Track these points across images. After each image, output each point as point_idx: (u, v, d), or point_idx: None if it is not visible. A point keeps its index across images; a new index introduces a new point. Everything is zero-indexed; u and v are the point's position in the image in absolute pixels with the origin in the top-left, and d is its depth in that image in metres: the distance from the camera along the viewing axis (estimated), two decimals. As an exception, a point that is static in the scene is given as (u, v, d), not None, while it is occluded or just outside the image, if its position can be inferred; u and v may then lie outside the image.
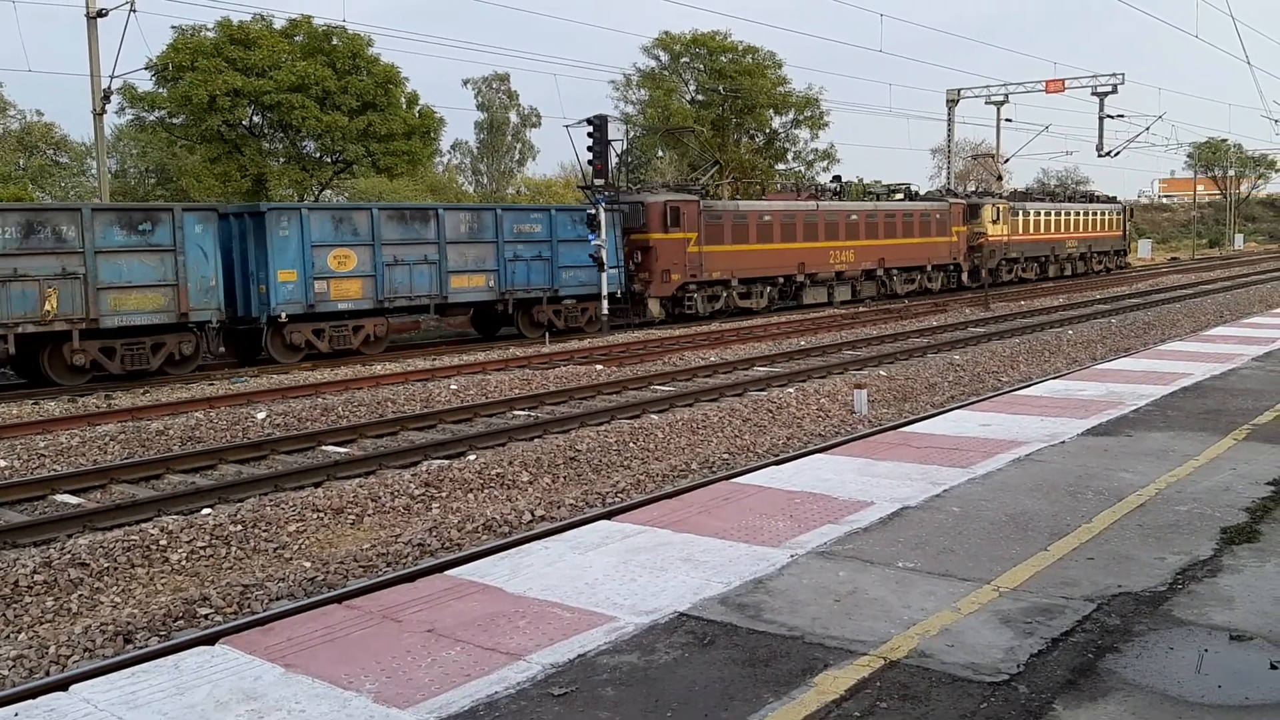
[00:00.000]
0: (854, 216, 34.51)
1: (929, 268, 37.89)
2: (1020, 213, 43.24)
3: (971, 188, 54.05)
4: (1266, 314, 24.54)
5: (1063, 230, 46.55)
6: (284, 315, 21.13)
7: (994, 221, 40.87)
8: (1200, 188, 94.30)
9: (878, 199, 37.05)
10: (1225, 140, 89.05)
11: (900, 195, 39.19)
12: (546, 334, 24.91)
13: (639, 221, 28.11)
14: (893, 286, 36.34)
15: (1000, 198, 43.98)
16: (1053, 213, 46.01)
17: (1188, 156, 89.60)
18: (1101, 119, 49.29)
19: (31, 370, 18.96)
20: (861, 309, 31.67)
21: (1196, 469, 8.14)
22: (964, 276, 39.48)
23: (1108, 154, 50.22)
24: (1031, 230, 44.06)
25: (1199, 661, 4.68)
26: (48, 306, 17.74)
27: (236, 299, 21.14)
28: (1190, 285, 40.29)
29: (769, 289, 31.80)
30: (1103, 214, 50.15)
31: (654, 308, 28.51)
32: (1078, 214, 47.97)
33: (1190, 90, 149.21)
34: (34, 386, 18.52)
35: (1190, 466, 8.22)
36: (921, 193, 41.95)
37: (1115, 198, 54.72)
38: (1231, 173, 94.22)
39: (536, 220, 25.80)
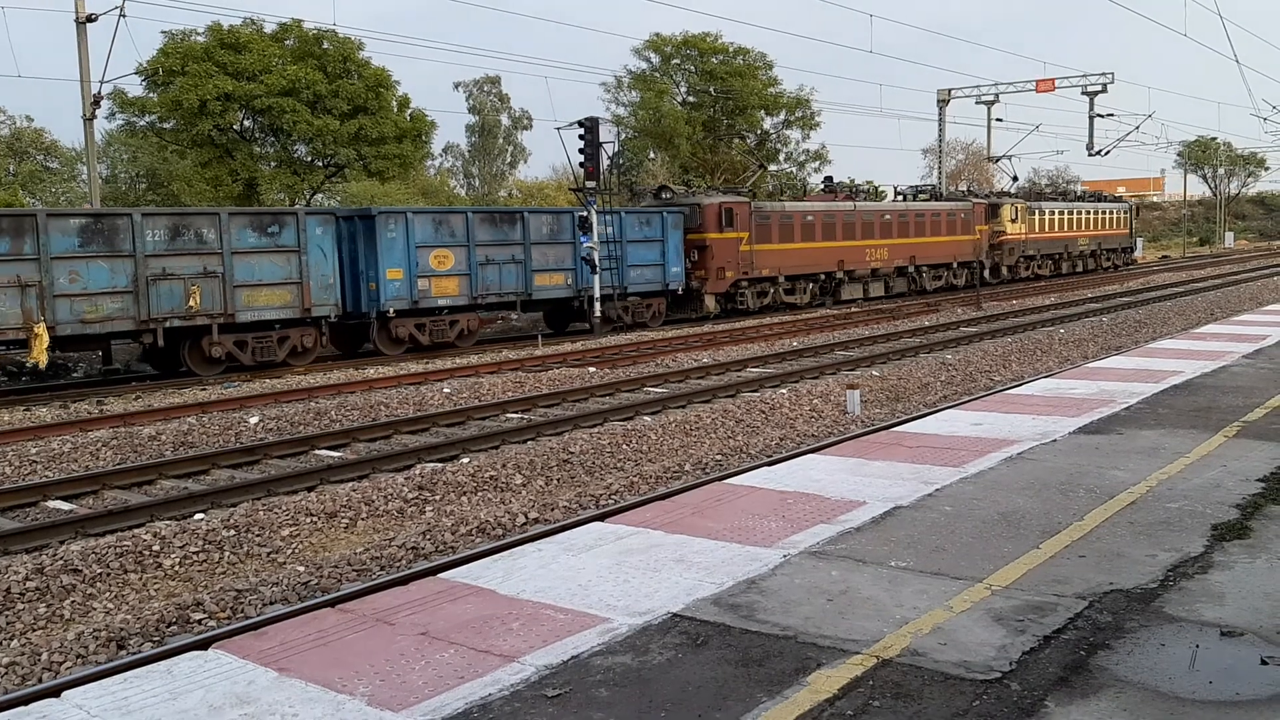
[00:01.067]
0: (887, 216, 36.00)
1: (955, 264, 39.33)
2: (1036, 212, 44.83)
3: (964, 187, 54.19)
4: (1257, 311, 24.62)
5: (1075, 229, 48.20)
6: (392, 310, 22.60)
7: (1013, 220, 42.61)
8: (1123, 189, 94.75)
9: (905, 199, 38.70)
10: (1215, 139, 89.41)
11: (926, 195, 40.73)
12: (539, 336, 24.94)
13: (696, 222, 29.46)
14: (922, 283, 37.74)
15: (1016, 198, 45.53)
16: (1066, 212, 47.66)
17: (1177, 155, 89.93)
18: (1092, 118, 49.35)
19: (167, 362, 20.43)
20: (854, 309, 31.81)
21: (1187, 466, 8.17)
22: (986, 273, 41.20)
23: (1098, 153, 50.34)
24: (1047, 229, 45.69)
25: (1190, 658, 4.70)
26: (191, 303, 19.34)
27: (346, 296, 22.23)
28: (1181, 283, 40.42)
29: (811, 285, 33.20)
30: (1111, 213, 51.82)
31: (710, 303, 29.88)
32: (1089, 213, 49.59)
33: (1180, 89, 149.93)
34: (168, 377, 19.95)
35: (1181, 464, 8.25)
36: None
37: (1121, 197, 55.87)
38: (1221, 171, 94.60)
39: (608, 222, 27.01)
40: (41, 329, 17.26)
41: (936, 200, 40.65)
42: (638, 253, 27.68)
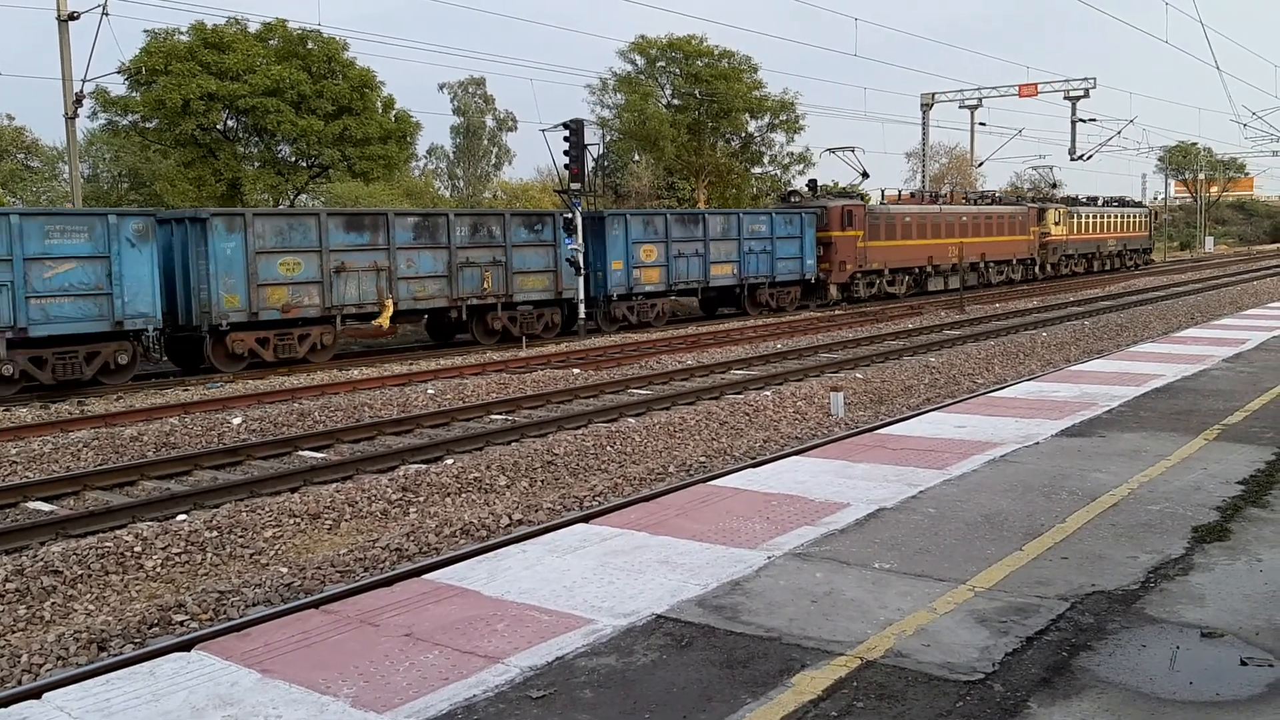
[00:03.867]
0: (964, 218, 40.42)
1: (1013, 261, 43.59)
2: (1075, 216, 48.84)
3: (945, 190, 54.51)
4: (1237, 316, 24.78)
5: (1105, 231, 52.34)
6: (615, 295, 27.21)
7: (1056, 224, 46.95)
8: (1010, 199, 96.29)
9: (974, 203, 42.55)
10: (1195, 144, 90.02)
11: (988, 200, 44.24)
12: (524, 338, 24.95)
13: (823, 222, 33.83)
14: (988, 277, 41.96)
15: (1059, 203, 49.06)
16: (1098, 215, 51.69)
17: (1159, 160, 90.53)
18: (1074, 123, 49.80)
19: (443, 334, 25.36)
20: (838, 312, 32.04)
21: (1168, 469, 8.23)
22: (1037, 270, 45.33)
23: (1080, 157, 50.88)
24: (1083, 231, 49.87)
25: (1171, 659, 4.73)
26: (485, 285, 23.90)
27: None
28: (1162, 288, 40.66)
29: (907, 278, 37.56)
30: (1134, 216, 56.28)
31: (834, 291, 34.40)
32: (1116, 216, 53.70)
33: (1161, 95, 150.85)
34: (442, 346, 24.66)
35: (1162, 466, 8.31)
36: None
37: (1142, 202, 59.24)
38: (1202, 176, 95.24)
39: (762, 221, 31.73)
40: (390, 303, 22.23)
41: (996, 204, 44.19)
42: (784, 247, 32.07)
